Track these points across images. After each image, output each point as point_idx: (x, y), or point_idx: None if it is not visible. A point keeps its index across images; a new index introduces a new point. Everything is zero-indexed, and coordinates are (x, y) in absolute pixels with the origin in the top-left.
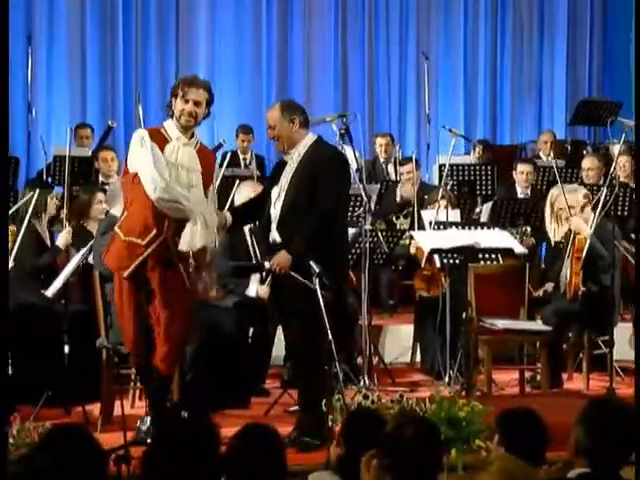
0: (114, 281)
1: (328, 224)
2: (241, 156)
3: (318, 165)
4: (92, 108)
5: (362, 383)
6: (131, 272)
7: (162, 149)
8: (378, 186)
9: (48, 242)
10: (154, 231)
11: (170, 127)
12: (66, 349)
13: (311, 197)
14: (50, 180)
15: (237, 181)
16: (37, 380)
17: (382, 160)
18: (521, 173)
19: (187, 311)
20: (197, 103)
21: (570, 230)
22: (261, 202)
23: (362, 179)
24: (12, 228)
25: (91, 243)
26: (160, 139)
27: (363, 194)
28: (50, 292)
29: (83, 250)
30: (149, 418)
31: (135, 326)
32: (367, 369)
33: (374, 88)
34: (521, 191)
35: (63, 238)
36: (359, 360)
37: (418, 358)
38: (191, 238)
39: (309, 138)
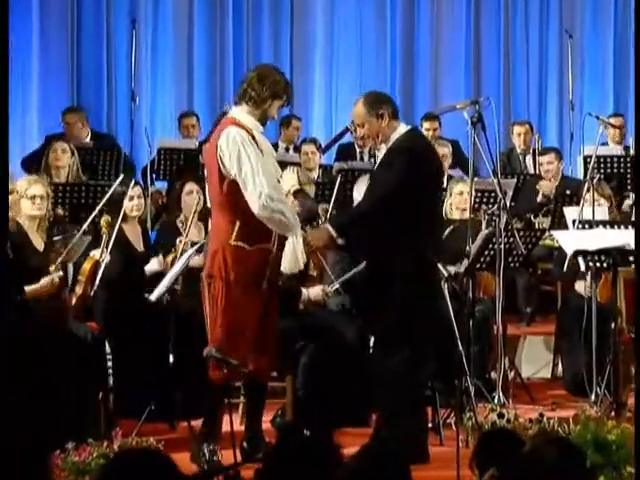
0: (216, 290)
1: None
2: (358, 150)
3: (387, 156)
4: (199, 96)
5: (496, 400)
6: (269, 280)
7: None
8: (514, 180)
9: (139, 245)
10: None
11: (245, 118)
12: (171, 358)
13: None
14: (154, 176)
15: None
16: (140, 392)
17: (519, 151)
18: None
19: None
20: None
21: None
22: None
23: (496, 173)
24: (106, 218)
25: (201, 244)
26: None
27: (497, 189)
28: (154, 296)
29: (190, 251)
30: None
31: (252, 340)
32: (502, 384)
33: (510, 71)
34: None
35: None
36: (493, 374)
37: (560, 372)
38: (294, 257)
39: (400, 130)
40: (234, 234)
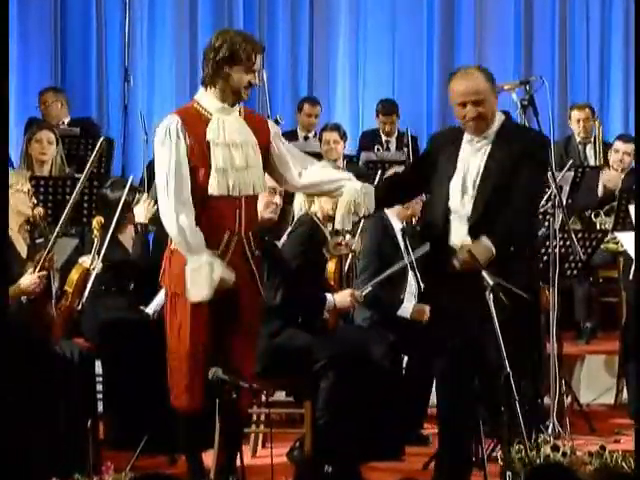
0: (168, 307)
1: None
2: (384, 138)
3: (524, 151)
4: None
5: (550, 430)
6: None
7: (202, 133)
8: (572, 173)
9: (135, 251)
10: (227, 232)
11: (205, 99)
12: None
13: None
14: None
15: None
16: (135, 419)
17: (579, 140)
18: None
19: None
20: (259, 71)
21: None
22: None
23: (551, 165)
24: (99, 219)
25: None
26: (197, 121)
27: (552, 184)
28: (151, 309)
29: None
30: None
31: (196, 363)
32: (557, 411)
33: (567, 45)
34: None
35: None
36: (546, 400)
37: (625, 398)
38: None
39: (499, 115)
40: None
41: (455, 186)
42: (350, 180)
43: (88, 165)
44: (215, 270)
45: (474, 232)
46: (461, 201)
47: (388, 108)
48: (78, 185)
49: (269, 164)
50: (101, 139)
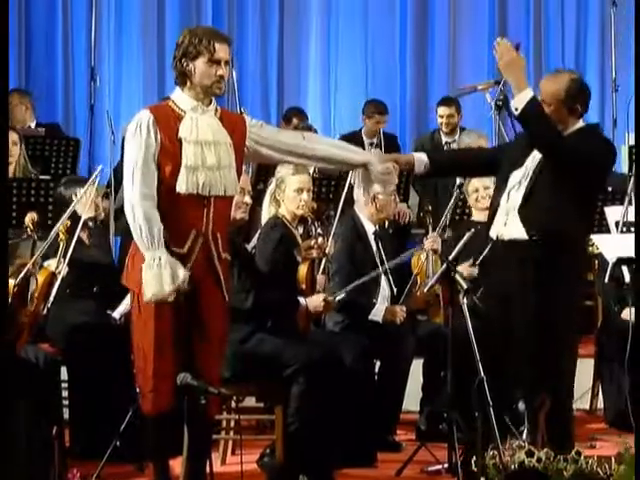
0: (133, 308)
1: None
2: (367, 140)
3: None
4: (171, 74)
5: (525, 435)
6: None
7: (175, 131)
8: None
9: (103, 255)
10: (193, 232)
11: (180, 98)
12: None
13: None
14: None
15: None
16: (102, 426)
17: None
18: None
19: (225, 336)
20: (227, 63)
21: None
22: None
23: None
24: (64, 222)
25: None
26: (169, 118)
27: None
28: (117, 313)
29: None
30: None
31: (162, 365)
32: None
33: (542, 44)
34: None
35: None
36: (521, 404)
37: (600, 403)
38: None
39: (579, 122)
40: None
41: (514, 178)
42: (371, 164)
43: (83, 190)
44: (179, 270)
45: (522, 216)
46: (509, 194)
47: (382, 107)
48: (74, 202)
49: (263, 153)
50: (99, 167)
